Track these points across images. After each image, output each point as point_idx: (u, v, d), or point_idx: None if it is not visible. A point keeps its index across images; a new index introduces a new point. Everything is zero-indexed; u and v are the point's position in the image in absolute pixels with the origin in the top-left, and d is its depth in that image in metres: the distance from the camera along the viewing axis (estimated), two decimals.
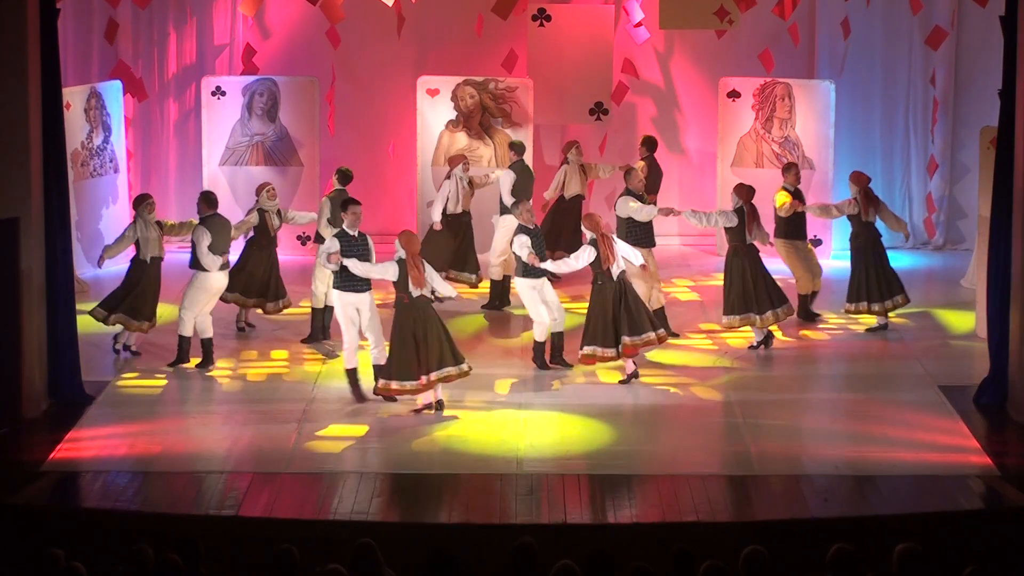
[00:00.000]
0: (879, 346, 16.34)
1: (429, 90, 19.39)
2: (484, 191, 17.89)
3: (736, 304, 15.92)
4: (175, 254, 16.56)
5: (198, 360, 15.50)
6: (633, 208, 16.15)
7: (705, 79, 20.25)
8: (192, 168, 19.97)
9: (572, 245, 17.18)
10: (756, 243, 15.99)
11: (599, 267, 14.88)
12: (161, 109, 20.26)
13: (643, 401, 14.68)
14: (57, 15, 14.34)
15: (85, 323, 15.51)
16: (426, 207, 18.64)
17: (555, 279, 16.29)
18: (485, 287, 17.73)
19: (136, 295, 15.66)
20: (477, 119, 19.33)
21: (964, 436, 13.71)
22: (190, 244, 15.53)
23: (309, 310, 16.49)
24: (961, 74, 20.04)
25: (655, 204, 17.86)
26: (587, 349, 14.92)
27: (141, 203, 15.88)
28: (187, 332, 15.38)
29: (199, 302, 15.39)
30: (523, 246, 15.14)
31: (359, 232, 14.60)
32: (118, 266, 16.70)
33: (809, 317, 16.93)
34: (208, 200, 15.69)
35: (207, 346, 15.49)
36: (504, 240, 16.91)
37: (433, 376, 14.05)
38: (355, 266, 14.35)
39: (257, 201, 16.47)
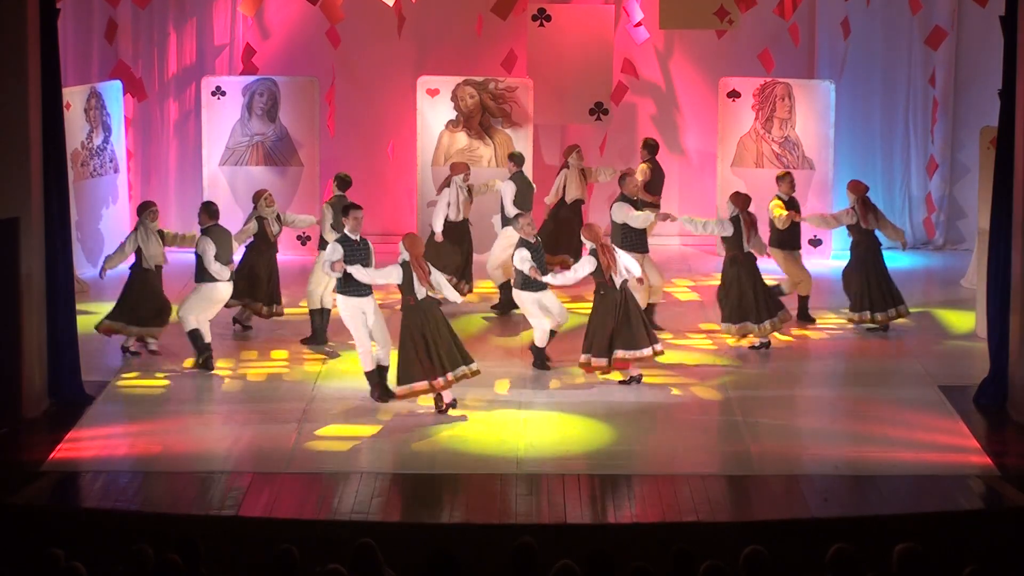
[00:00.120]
0: (879, 346, 16.34)
1: (429, 90, 19.39)
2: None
3: (733, 313, 15.91)
4: (173, 253, 16.50)
5: (194, 360, 15.51)
6: (630, 215, 16.19)
7: (705, 79, 20.25)
8: (192, 168, 19.97)
9: (573, 249, 17.18)
10: (754, 251, 15.99)
11: (601, 276, 14.88)
12: (161, 109, 20.26)
13: (643, 401, 14.68)
14: (57, 15, 14.34)
15: (85, 323, 15.52)
16: (426, 207, 18.66)
17: None
18: (484, 288, 17.75)
19: (134, 303, 15.61)
20: (477, 119, 19.33)
21: (964, 436, 13.71)
22: (194, 256, 15.49)
23: (308, 311, 16.50)
24: (961, 74, 20.05)
25: (659, 206, 17.95)
26: (582, 357, 14.95)
27: (144, 211, 15.82)
28: (193, 325, 15.37)
29: (198, 309, 15.37)
30: (524, 261, 15.14)
31: (360, 237, 14.61)
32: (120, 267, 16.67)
33: (808, 319, 16.93)
34: (209, 211, 15.68)
35: (200, 344, 15.47)
36: (503, 251, 16.91)
37: (450, 376, 14.07)
38: (359, 272, 14.36)
39: (255, 208, 16.42)
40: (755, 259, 15.99)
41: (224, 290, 15.52)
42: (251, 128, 19.43)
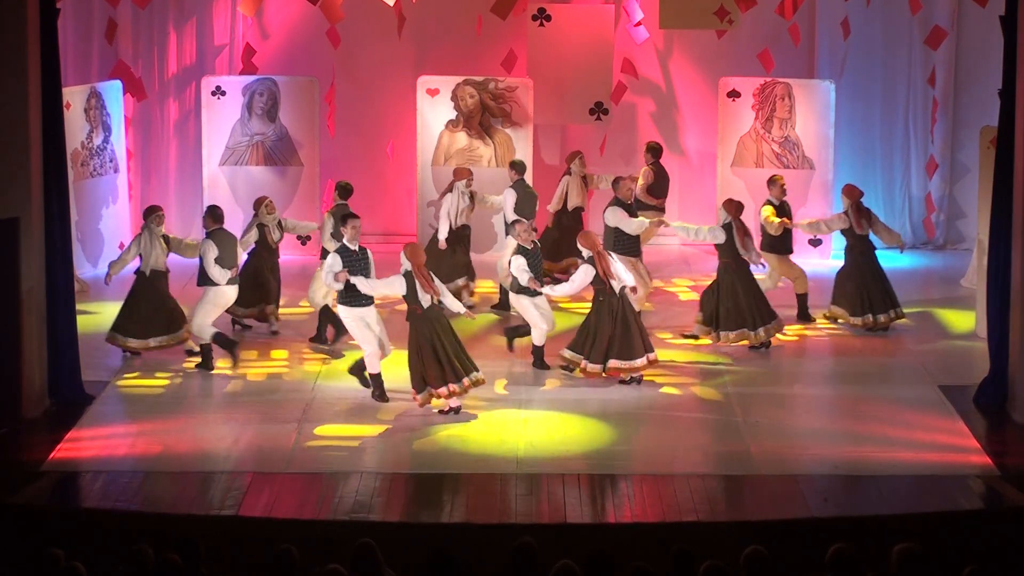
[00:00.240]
0: (879, 346, 16.34)
1: (429, 90, 19.38)
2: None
3: (729, 321, 15.89)
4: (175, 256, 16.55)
5: (198, 360, 15.51)
6: (623, 220, 16.21)
7: (705, 79, 20.24)
8: (192, 168, 19.96)
9: (576, 252, 17.16)
10: (749, 260, 16.01)
11: (600, 283, 14.89)
12: (161, 109, 20.25)
13: (643, 401, 14.68)
14: (57, 15, 14.34)
15: (85, 323, 15.52)
16: (426, 207, 18.66)
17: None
18: (484, 288, 17.75)
19: (135, 310, 15.57)
20: (477, 119, 19.32)
21: (964, 436, 13.71)
22: (199, 260, 15.48)
23: (309, 310, 16.51)
24: (961, 74, 20.04)
25: (663, 209, 17.99)
26: (569, 355, 14.94)
27: (150, 215, 15.76)
28: (211, 333, 15.35)
29: (212, 315, 15.36)
30: (521, 270, 15.16)
31: (359, 246, 14.61)
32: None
33: (807, 319, 16.93)
34: (214, 215, 15.68)
35: (207, 350, 15.46)
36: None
37: (466, 381, 14.07)
38: (362, 284, 14.38)
39: (256, 216, 16.39)
40: (748, 266, 16.01)
41: (230, 293, 15.51)
42: (251, 128, 19.42)
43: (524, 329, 15.70)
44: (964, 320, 16.98)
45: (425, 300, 14.08)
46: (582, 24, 19.45)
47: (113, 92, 19.28)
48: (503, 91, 19.32)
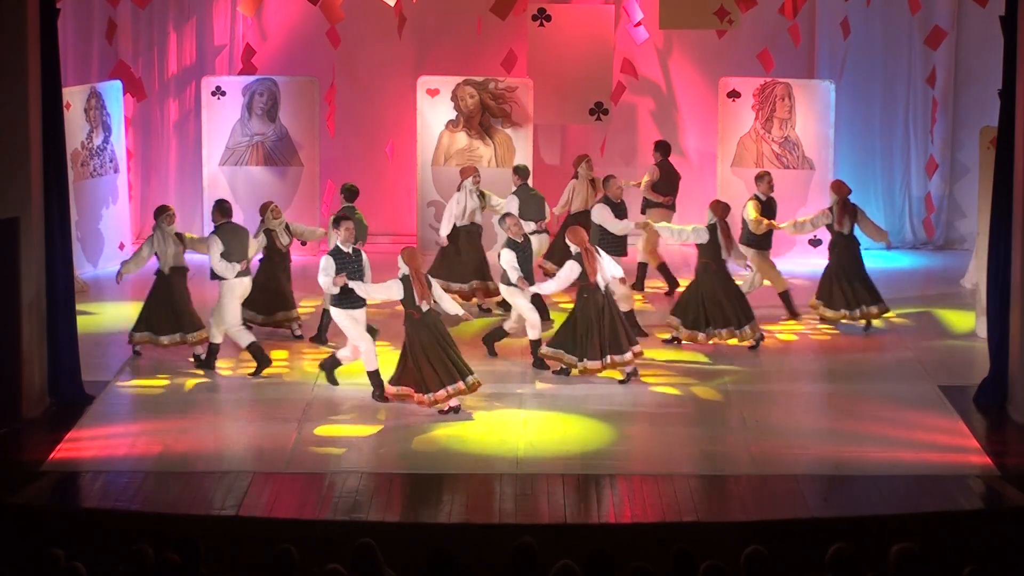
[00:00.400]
0: (879, 346, 16.34)
1: (429, 90, 19.39)
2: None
3: (717, 320, 15.86)
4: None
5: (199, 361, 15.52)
6: (608, 219, 16.23)
7: (705, 79, 20.24)
8: (192, 168, 19.97)
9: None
10: (735, 263, 16.02)
11: (585, 280, 14.90)
12: (161, 109, 20.26)
13: (643, 401, 14.68)
14: (57, 15, 14.34)
15: (85, 323, 15.52)
16: (426, 207, 18.66)
17: None
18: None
19: (156, 309, 15.54)
20: (477, 119, 19.33)
21: (964, 436, 13.71)
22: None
23: (310, 310, 16.49)
24: (961, 74, 20.04)
25: (672, 207, 18.02)
26: (550, 351, 14.95)
27: (161, 214, 15.72)
28: (250, 338, 15.33)
29: (234, 309, 15.32)
30: (511, 266, 15.17)
31: (353, 248, 14.61)
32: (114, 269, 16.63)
33: (794, 315, 16.95)
34: (222, 209, 15.66)
35: (213, 349, 15.45)
36: None
37: (462, 384, 14.07)
38: (359, 288, 14.38)
39: (263, 221, 16.29)
40: (727, 265, 16.03)
41: (243, 285, 15.43)
42: (251, 128, 19.43)
43: (500, 332, 15.69)
44: (964, 320, 16.98)
45: (423, 305, 14.08)
46: (582, 24, 19.45)
47: (113, 92, 19.28)
48: (503, 91, 19.32)
